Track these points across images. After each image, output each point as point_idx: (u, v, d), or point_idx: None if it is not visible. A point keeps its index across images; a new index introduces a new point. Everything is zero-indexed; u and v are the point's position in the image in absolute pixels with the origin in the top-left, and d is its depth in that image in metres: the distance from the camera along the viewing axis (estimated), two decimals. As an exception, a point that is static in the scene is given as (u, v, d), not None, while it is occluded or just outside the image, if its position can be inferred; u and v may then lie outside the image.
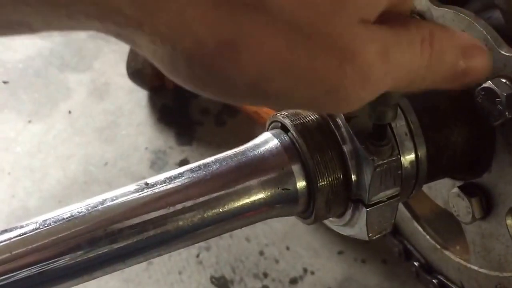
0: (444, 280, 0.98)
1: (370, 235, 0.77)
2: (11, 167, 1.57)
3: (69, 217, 0.64)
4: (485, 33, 0.78)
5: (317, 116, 0.75)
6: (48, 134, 1.64)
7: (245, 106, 1.55)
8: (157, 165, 1.61)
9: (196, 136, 1.65)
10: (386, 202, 0.74)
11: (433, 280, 0.99)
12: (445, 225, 0.96)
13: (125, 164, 1.60)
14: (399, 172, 0.74)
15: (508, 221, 0.83)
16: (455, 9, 0.81)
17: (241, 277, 1.46)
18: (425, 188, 0.95)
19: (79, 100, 1.72)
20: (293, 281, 1.46)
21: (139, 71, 1.63)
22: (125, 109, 1.71)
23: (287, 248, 1.51)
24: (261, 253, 1.50)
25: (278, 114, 0.76)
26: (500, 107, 0.75)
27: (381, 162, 0.71)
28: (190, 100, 1.73)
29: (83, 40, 1.87)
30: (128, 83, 1.71)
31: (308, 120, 0.74)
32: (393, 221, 0.77)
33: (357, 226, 0.77)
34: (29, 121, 1.67)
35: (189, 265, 1.47)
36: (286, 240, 1.52)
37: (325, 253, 1.50)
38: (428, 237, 0.99)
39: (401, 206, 1.02)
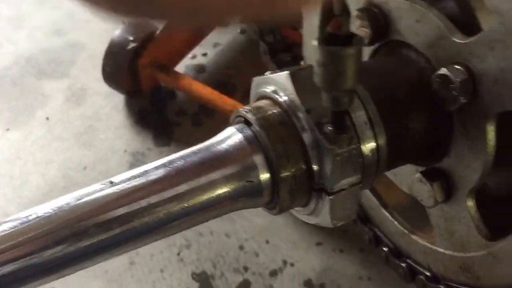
0: (412, 264, 0.99)
1: (334, 222, 0.78)
2: (-10, 175, 1.56)
3: (35, 218, 0.65)
4: (438, 22, 0.79)
5: (279, 110, 0.75)
6: (27, 141, 1.64)
7: (221, 107, 1.55)
8: (136, 167, 1.60)
9: (174, 137, 1.66)
10: (348, 190, 0.76)
11: (402, 264, 1.00)
12: (412, 211, 0.97)
13: (104, 168, 1.60)
14: (360, 160, 0.75)
15: (469, 203, 0.85)
16: (412, 1, 0.82)
17: (221, 272, 1.47)
18: (391, 175, 0.96)
19: (57, 106, 1.72)
20: (273, 273, 1.47)
21: (114, 75, 1.64)
22: (102, 113, 1.71)
23: (267, 242, 1.52)
24: (241, 247, 1.51)
25: (242, 109, 0.76)
26: (455, 93, 0.76)
27: (341, 150, 0.73)
28: (166, 102, 1.76)
29: (59, 47, 1.88)
30: (104, 88, 1.71)
31: (270, 114, 0.76)
32: (356, 208, 0.78)
33: (321, 215, 0.78)
34: (7, 129, 1.67)
35: (170, 263, 1.48)
36: (266, 233, 1.54)
37: (303, 245, 1.51)
38: (396, 223, 1.00)
39: (370, 195, 1.03)
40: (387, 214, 1.02)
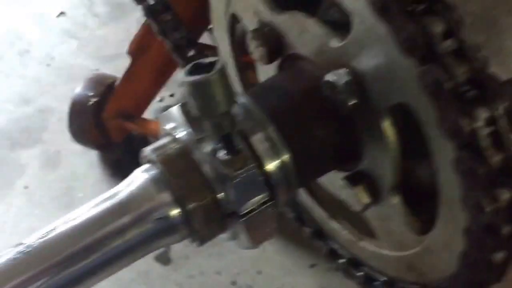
0: (369, 272, 1.03)
1: (254, 243, 0.82)
2: (-24, 253, 1.66)
3: None
4: (317, 29, 0.85)
5: (178, 146, 0.81)
6: (9, 213, 1.75)
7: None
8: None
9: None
10: (260, 210, 0.81)
11: (358, 274, 1.04)
12: (358, 218, 1.01)
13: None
14: (260, 178, 0.80)
15: (393, 201, 0.89)
16: (292, 14, 0.89)
17: (217, 312, 1.51)
18: (331, 188, 1.01)
19: (34, 173, 1.84)
20: (270, 303, 1.51)
21: (81, 133, 1.73)
22: (79, 172, 1.82)
23: (259, 273, 1.57)
24: (234, 283, 1.57)
25: (146, 149, 0.83)
26: (343, 96, 0.81)
27: (236, 172, 0.78)
28: (139, 150, 1.81)
29: (29, 115, 2.01)
30: (78, 148, 1.82)
31: (170, 149, 0.82)
32: (274, 226, 0.83)
33: (241, 237, 0.83)
34: (-12, 205, 1.77)
35: (163, 311, 1.53)
36: (257, 264, 1.59)
37: (297, 269, 1.56)
38: (345, 232, 1.04)
39: (318, 207, 1.08)
40: (335, 224, 1.06)
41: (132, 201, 0.79)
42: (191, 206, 0.79)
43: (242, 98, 0.86)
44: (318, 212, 1.10)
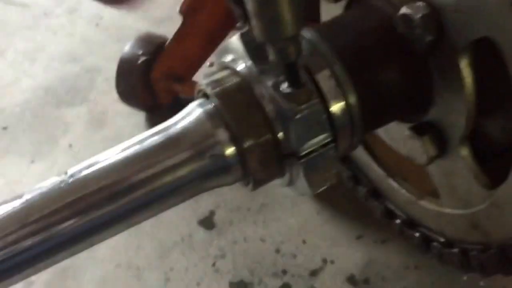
0: (426, 232, 1.00)
1: (312, 188, 0.78)
2: (18, 208, 1.67)
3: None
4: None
5: (238, 79, 0.78)
6: (52, 171, 1.75)
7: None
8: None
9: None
10: (320, 152, 0.77)
11: (415, 234, 1.01)
12: (418, 176, 0.98)
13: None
14: (324, 116, 0.76)
15: (463, 152, 0.85)
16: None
17: (260, 279, 1.50)
18: (388, 140, 0.98)
19: (79, 132, 1.83)
20: (313, 273, 1.49)
21: (129, 93, 1.72)
22: (124, 133, 1.80)
23: (304, 242, 1.55)
24: (278, 251, 1.54)
25: (200, 83, 0.79)
26: (419, 31, 0.77)
27: (299, 107, 0.74)
28: (186, 113, 1.81)
29: (76, 74, 2.00)
30: (124, 108, 1.81)
31: (228, 83, 0.78)
32: (334, 171, 0.79)
33: (299, 182, 0.79)
34: (32, 161, 1.78)
35: (206, 275, 1.52)
36: (302, 234, 1.57)
37: (343, 240, 1.53)
38: (403, 191, 1.01)
39: (375, 165, 1.05)
40: (393, 183, 1.03)
41: (186, 136, 0.76)
42: (247, 144, 0.75)
43: (308, 34, 0.81)
44: (375, 171, 1.07)
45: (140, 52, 1.69)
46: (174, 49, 1.68)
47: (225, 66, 0.81)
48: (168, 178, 0.75)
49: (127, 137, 1.74)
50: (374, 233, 1.52)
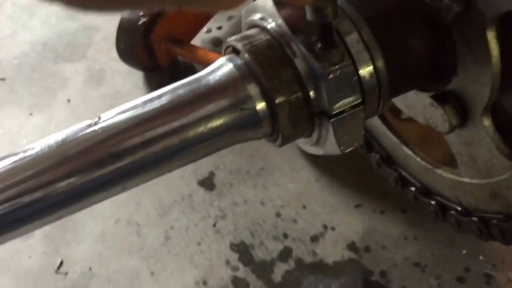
0: (442, 200, 1.02)
1: (341, 148, 0.80)
2: (17, 161, 1.67)
3: (22, 158, 0.68)
4: None
5: (268, 37, 0.78)
6: (50, 124, 1.75)
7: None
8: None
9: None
10: (350, 112, 0.78)
11: (431, 202, 1.02)
12: (434, 145, 0.99)
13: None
14: (355, 78, 0.77)
15: (485, 123, 0.86)
16: None
17: (261, 241, 1.52)
18: (404, 108, 0.99)
19: (77, 88, 1.83)
20: (315, 238, 1.52)
21: (129, 52, 1.71)
22: (122, 91, 1.80)
23: (304, 207, 1.57)
24: (278, 215, 1.56)
25: (231, 39, 0.79)
26: (447, 1, 0.77)
27: (332, 67, 0.75)
28: (185, 75, 1.80)
29: (74, 31, 1.99)
30: (123, 67, 1.81)
31: (259, 41, 0.78)
32: (362, 132, 0.80)
33: (328, 141, 0.80)
34: (30, 114, 1.78)
35: (207, 235, 1.54)
36: (301, 199, 1.59)
37: (342, 208, 1.56)
38: (419, 159, 1.02)
39: (389, 133, 1.06)
40: (409, 151, 1.04)
41: (219, 88, 0.76)
42: (278, 100, 0.75)
43: None
44: (389, 139, 1.08)
45: (141, 12, 1.69)
46: (173, 13, 1.69)
47: (254, 25, 0.81)
48: (201, 129, 0.75)
49: (126, 96, 1.78)
50: (373, 203, 1.55)
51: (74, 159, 0.69)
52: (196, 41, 1.84)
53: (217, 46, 1.91)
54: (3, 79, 1.87)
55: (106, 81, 1.84)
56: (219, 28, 1.95)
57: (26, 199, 0.67)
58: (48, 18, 2.04)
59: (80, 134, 0.70)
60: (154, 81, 1.81)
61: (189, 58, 1.78)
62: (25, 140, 1.73)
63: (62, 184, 0.68)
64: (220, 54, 1.78)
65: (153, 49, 1.74)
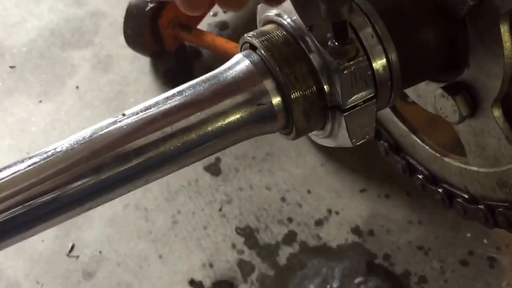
0: (449, 188, 1.05)
1: (353, 141, 0.83)
2: (28, 147, 1.72)
3: (53, 153, 0.70)
4: None
5: (284, 32, 0.81)
6: (60, 111, 1.77)
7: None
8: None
9: (204, 95, 1.75)
10: (363, 106, 0.80)
11: (439, 189, 1.06)
12: (442, 134, 1.02)
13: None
14: (369, 73, 0.80)
15: (495, 113, 0.89)
16: None
17: (266, 225, 1.56)
18: (415, 97, 1.02)
19: (85, 75, 1.85)
20: (319, 222, 1.56)
21: (136, 38, 1.74)
22: (130, 78, 1.83)
23: (309, 192, 1.60)
24: (283, 199, 1.60)
25: (247, 35, 0.83)
26: None
27: (347, 64, 0.77)
28: (192, 61, 1.87)
29: (81, 17, 2.01)
30: (130, 53, 1.83)
31: (275, 37, 0.81)
32: (373, 125, 0.83)
33: (340, 134, 0.83)
34: (40, 101, 1.81)
35: (213, 219, 1.57)
36: (306, 184, 1.63)
37: (347, 192, 1.60)
38: (427, 147, 1.05)
39: (398, 121, 1.09)
40: (417, 139, 1.08)
41: (236, 84, 0.78)
42: (294, 95, 0.78)
43: None
44: (397, 127, 1.11)
45: (149, -1, 1.72)
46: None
47: (270, 20, 0.84)
48: (219, 123, 0.78)
49: (133, 81, 1.81)
50: (378, 187, 1.59)
51: (101, 154, 0.71)
52: (203, 25, 1.86)
53: (224, 29, 1.93)
54: (12, 67, 1.90)
55: (113, 67, 1.86)
56: (225, 11, 1.97)
57: (58, 192, 0.70)
58: (55, 4, 2.06)
59: (106, 130, 0.73)
60: (161, 67, 1.83)
61: (196, 43, 1.81)
62: (35, 128, 1.76)
63: (91, 178, 0.71)
64: (226, 38, 1.80)
65: (160, 35, 1.76)
